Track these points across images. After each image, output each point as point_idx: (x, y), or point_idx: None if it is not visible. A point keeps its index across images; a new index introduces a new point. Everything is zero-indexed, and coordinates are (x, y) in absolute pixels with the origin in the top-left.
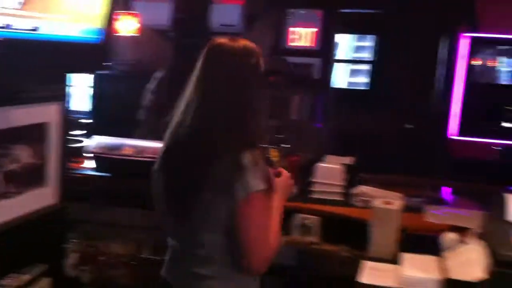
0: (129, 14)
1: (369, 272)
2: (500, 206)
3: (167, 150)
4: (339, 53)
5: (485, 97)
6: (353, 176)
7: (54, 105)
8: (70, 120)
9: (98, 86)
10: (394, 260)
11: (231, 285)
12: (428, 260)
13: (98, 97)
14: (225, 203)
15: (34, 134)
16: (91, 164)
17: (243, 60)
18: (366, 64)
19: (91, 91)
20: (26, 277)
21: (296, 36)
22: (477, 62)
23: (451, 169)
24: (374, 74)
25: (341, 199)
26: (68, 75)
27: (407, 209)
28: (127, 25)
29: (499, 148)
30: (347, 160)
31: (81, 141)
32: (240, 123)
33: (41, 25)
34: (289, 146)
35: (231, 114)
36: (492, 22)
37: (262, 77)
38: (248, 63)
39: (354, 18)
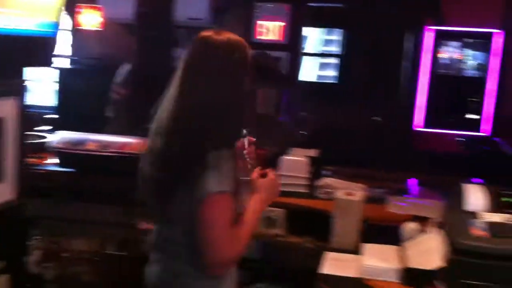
0: (92, 7)
1: (331, 263)
2: (459, 196)
3: (149, 145)
4: (308, 47)
5: (450, 90)
6: (317, 169)
7: (10, 100)
8: (33, 115)
9: (63, 81)
10: (356, 251)
11: (205, 284)
12: (388, 250)
13: (63, 92)
14: (189, 201)
15: None
16: (55, 159)
17: (227, 54)
18: (334, 58)
19: (56, 86)
20: None
21: (264, 30)
22: (442, 55)
23: (416, 160)
24: (342, 68)
25: (306, 191)
26: (30, 69)
27: (370, 200)
28: (90, 19)
29: (463, 140)
30: (312, 152)
31: (45, 137)
32: (218, 119)
33: None
34: (255, 139)
35: (210, 110)
36: (457, 16)
37: (247, 71)
38: (231, 57)
39: (321, 12)
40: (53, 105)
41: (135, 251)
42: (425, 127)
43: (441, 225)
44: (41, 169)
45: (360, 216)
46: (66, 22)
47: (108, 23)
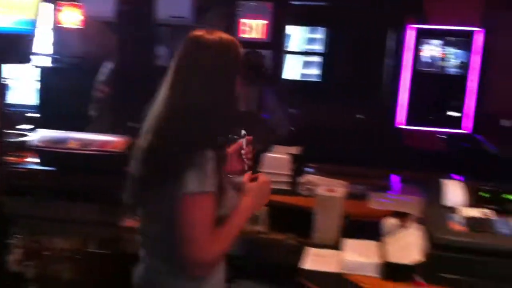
0: (73, 5)
1: (312, 258)
2: (438, 191)
3: (138, 143)
4: (291, 45)
5: (432, 87)
6: (300, 166)
7: None
8: (14, 114)
9: (45, 80)
10: (337, 246)
11: (185, 285)
12: (369, 245)
13: (45, 91)
14: (170, 199)
15: None
16: (35, 158)
17: (219, 53)
18: (318, 56)
19: (38, 84)
20: None
21: (247, 28)
22: (424, 53)
23: (398, 157)
24: (325, 66)
25: (288, 188)
26: (11, 68)
27: (351, 196)
28: (71, 17)
29: (444, 137)
30: (294, 150)
31: (25, 135)
32: (208, 119)
33: None
34: (237, 137)
35: (201, 109)
36: (438, 14)
37: (239, 71)
38: (223, 57)
39: (304, 10)
40: (35, 104)
41: (117, 249)
42: (407, 124)
43: (420, 220)
44: (21, 168)
45: (341, 212)
46: (47, 19)
47: (89, 21)
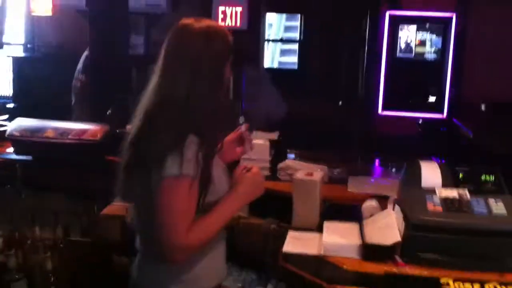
0: None
1: (292, 242)
2: (415, 173)
3: (130, 130)
4: (269, 33)
5: (409, 73)
6: (279, 151)
7: None
8: None
9: (20, 70)
10: (317, 230)
11: (167, 270)
12: (348, 227)
13: (21, 81)
14: (150, 185)
15: None
16: (12, 148)
17: (207, 41)
18: (295, 44)
19: (12, 74)
20: None
21: (222, 16)
22: (400, 40)
23: (376, 143)
24: (301, 54)
25: (268, 173)
26: None
27: (331, 180)
28: (43, 5)
29: (421, 122)
30: (274, 135)
31: (4, 125)
32: (194, 107)
33: None
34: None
35: (187, 97)
36: (414, 0)
37: (228, 59)
38: (212, 45)
39: None
40: (11, 94)
41: (98, 238)
42: (385, 110)
43: (398, 202)
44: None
45: (319, 196)
46: (19, 8)
47: (62, 9)
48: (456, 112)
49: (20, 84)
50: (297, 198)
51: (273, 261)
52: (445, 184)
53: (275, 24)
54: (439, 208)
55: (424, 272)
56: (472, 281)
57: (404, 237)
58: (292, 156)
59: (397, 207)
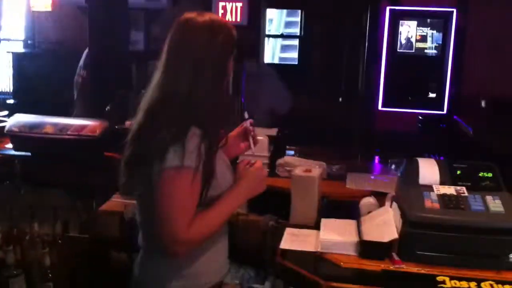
0: None
1: (290, 238)
2: (413, 170)
3: (132, 125)
4: (269, 28)
5: (409, 69)
6: (278, 148)
7: None
8: None
9: (20, 66)
10: (315, 226)
11: (169, 264)
12: (346, 224)
13: (21, 77)
14: (147, 176)
15: None
16: (10, 144)
17: (210, 36)
18: (295, 39)
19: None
20: None
21: (222, 11)
22: (400, 35)
23: (376, 139)
24: (301, 49)
25: (267, 170)
26: None
27: (330, 177)
28: (42, 0)
29: (421, 118)
30: (273, 131)
31: (4, 121)
32: (197, 102)
33: None
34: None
35: (187, 92)
36: None
37: (231, 54)
38: (215, 39)
39: None
40: (12, 90)
41: (96, 234)
42: (385, 106)
43: (396, 199)
44: None
45: (317, 192)
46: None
47: (63, 5)
48: (456, 109)
49: (20, 80)
50: (295, 195)
51: (271, 258)
52: (442, 181)
53: (276, 19)
54: (437, 205)
55: (421, 269)
56: (468, 279)
57: (401, 234)
58: (291, 152)
59: (394, 204)
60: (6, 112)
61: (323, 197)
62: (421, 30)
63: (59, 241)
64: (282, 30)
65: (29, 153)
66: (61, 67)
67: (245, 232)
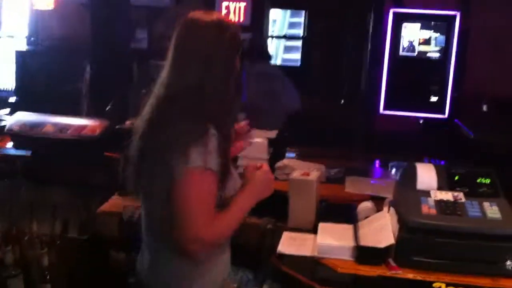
0: None
1: (288, 242)
2: (411, 175)
3: (138, 123)
4: (273, 29)
5: (411, 72)
6: (278, 150)
7: None
8: None
9: (23, 63)
10: (313, 230)
11: (183, 265)
12: (343, 228)
13: (24, 74)
14: (168, 175)
15: None
16: (11, 142)
17: (216, 35)
18: (298, 40)
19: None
20: None
21: (226, 11)
22: (403, 37)
23: (378, 141)
24: (303, 50)
25: None
26: None
27: (328, 180)
28: None
29: (423, 121)
30: (272, 134)
31: (4, 120)
32: (203, 99)
33: None
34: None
35: (196, 89)
36: None
37: (237, 53)
38: (221, 38)
39: None
40: (14, 87)
41: (95, 234)
42: (386, 109)
43: (393, 204)
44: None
45: (315, 196)
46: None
47: (66, 2)
48: (458, 112)
49: (23, 78)
50: (293, 198)
51: (268, 261)
52: (440, 187)
53: (279, 20)
54: (434, 211)
55: (417, 275)
56: (465, 286)
57: (398, 239)
58: (291, 154)
59: (392, 209)
60: (7, 111)
61: (322, 200)
62: (424, 32)
63: (57, 242)
64: (285, 31)
65: (29, 152)
66: (64, 65)
67: (244, 234)
